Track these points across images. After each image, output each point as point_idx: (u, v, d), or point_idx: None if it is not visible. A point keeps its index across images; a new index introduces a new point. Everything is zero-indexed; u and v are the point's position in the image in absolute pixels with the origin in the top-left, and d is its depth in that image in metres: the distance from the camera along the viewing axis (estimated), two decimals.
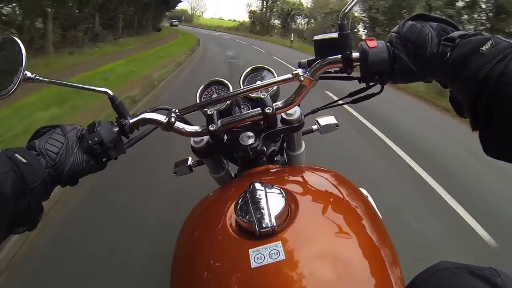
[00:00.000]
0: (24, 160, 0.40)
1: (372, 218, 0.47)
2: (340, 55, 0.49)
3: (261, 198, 0.42)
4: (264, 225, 0.39)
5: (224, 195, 0.56)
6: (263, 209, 0.40)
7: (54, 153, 0.44)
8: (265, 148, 0.61)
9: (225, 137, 0.60)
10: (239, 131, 0.61)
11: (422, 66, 0.44)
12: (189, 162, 0.77)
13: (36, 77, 0.47)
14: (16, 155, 0.40)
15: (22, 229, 0.41)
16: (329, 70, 0.52)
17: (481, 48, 0.37)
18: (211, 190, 0.62)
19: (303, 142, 0.74)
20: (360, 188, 0.55)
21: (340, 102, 0.63)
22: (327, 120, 0.77)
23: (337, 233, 0.41)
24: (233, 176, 0.75)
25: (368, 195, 0.57)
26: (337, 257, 0.39)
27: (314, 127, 0.78)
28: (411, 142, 3.79)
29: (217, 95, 0.71)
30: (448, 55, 0.41)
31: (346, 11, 0.47)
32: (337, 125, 0.77)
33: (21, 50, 0.46)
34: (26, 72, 0.46)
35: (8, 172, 0.37)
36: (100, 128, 0.49)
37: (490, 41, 0.37)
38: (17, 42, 0.47)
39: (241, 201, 0.43)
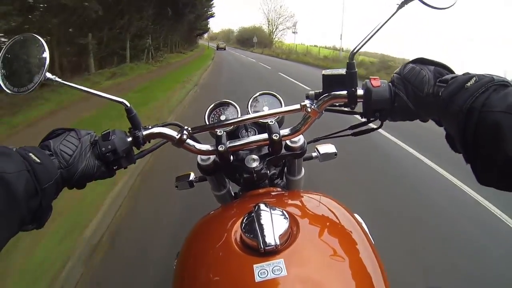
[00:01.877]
0: (37, 160, 0.40)
1: (365, 243, 0.49)
2: (346, 91, 0.53)
3: (266, 218, 0.44)
4: (268, 243, 0.41)
5: (228, 214, 0.57)
6: (268, 228, 0.42)
7: (68, 155, 0.45)
8: (268, 171, 0.64)
9: (231, 158, 0.62)
10: (244, 153, 0.64)
11: (419, 105, 0.48)
12: (191, 178, 0.79)
13: (56, 79, 0.48)
14: (30, 154, 0.40)
15: (31, 227, 0.41)
16: (334, 103, 0.56)
17: (466, 84, 0.41)
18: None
19: (303, 168, 0.77)
20: (355, 214, 0.58)
21: (342, 134, 0.66)
22: (326, 148, 0.81)
23: (332, 255, 0.44)
24: (233, 194, 0.77)
25: (362, 221, 0.59)
26: (332, 278, 0.41)
27: (314, 154, 0.82)
28: None
29: (224, 116, 0.75)
30: (440, 94, 0.45)
31: (355, 51, 0.52)
32: (335, 154, 0.81)
33: (44, 51, 0.47)
34: (46, 73, 0.47)
35: (22, 171, 0.37)
36: (115, 137, 0.50)
37: (474, 78, 0.41)
38: (41, 43, 0.47)
39: (246, 220, 0.45)
